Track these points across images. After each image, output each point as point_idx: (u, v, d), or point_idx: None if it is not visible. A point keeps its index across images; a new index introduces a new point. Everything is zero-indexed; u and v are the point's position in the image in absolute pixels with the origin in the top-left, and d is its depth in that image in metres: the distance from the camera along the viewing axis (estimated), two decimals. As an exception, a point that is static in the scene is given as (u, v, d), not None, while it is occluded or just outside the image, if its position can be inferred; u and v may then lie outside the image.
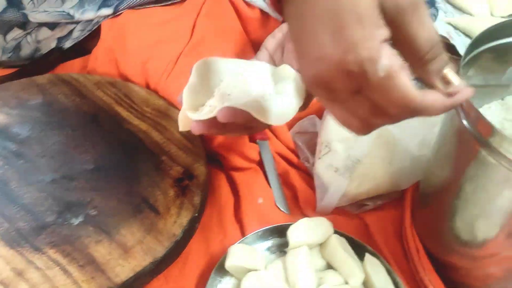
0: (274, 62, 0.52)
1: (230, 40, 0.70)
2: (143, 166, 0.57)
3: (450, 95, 0.34)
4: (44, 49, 0.76)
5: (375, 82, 0.31)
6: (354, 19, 0.30)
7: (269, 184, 0.62)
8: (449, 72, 0.34)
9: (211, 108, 0.45)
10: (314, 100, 0.74)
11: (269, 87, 0.47)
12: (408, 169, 0.58)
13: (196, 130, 0.45)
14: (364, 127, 0.36)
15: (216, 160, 0.64)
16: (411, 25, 0.32)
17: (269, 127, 0.57)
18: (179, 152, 0.59)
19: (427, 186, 0.55)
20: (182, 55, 0.68)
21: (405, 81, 0.32)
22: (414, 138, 0.57)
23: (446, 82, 0.34)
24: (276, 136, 0.67)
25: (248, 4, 0.75)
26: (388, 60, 0.31)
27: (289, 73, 0.48)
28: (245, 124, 0.44)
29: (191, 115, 0.46)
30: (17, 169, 0.55)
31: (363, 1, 0.31)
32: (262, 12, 0.75)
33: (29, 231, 0.50)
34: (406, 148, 0.57)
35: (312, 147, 0.66)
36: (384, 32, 0.31)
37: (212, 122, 0.44)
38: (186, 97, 0.46)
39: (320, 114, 0.69)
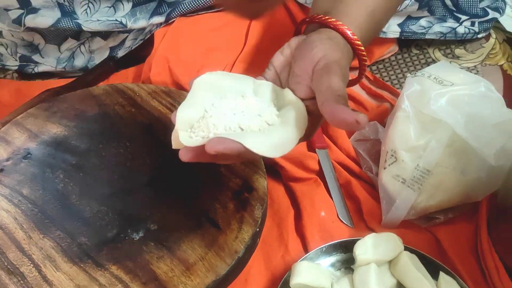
0: (280, 83, 0.48)
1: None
2: (201, 177, 0.55)
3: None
4: (98, 59, 0.76)
5: None
6: None
7: (330, 195, 0.59)
8: None
9: (204, 134, 0.41)
10: (375, 104, 0.71)
11: (268, 114, 0.43)
12: (484, 180, 0.54)
13: (184, 157, 0.41)
14: None
15: (274, 171, 0.61)
16: None
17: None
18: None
19: (507, 198, 0.51)
20: (237, 62, 0.66)
21: None
22: (491, 147, 0.52)
23: None
24: (336, 144, 0.64)
25: (303, 6, 0.72)
26: None
27: (290, 99, 0.44)
28: (238, 155, 0.40)
29: (183, 139, 0.41)
30: (77, 182, 0.54)
31: None
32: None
33: (91, 247, 0.49)
34: (482, 158, 0.52)
35: (375, 155, 0.63)
36: None
37: (202, 150, 0.39)
38: (179, 116, 0.42)
39: (381, 120, 0.65)
